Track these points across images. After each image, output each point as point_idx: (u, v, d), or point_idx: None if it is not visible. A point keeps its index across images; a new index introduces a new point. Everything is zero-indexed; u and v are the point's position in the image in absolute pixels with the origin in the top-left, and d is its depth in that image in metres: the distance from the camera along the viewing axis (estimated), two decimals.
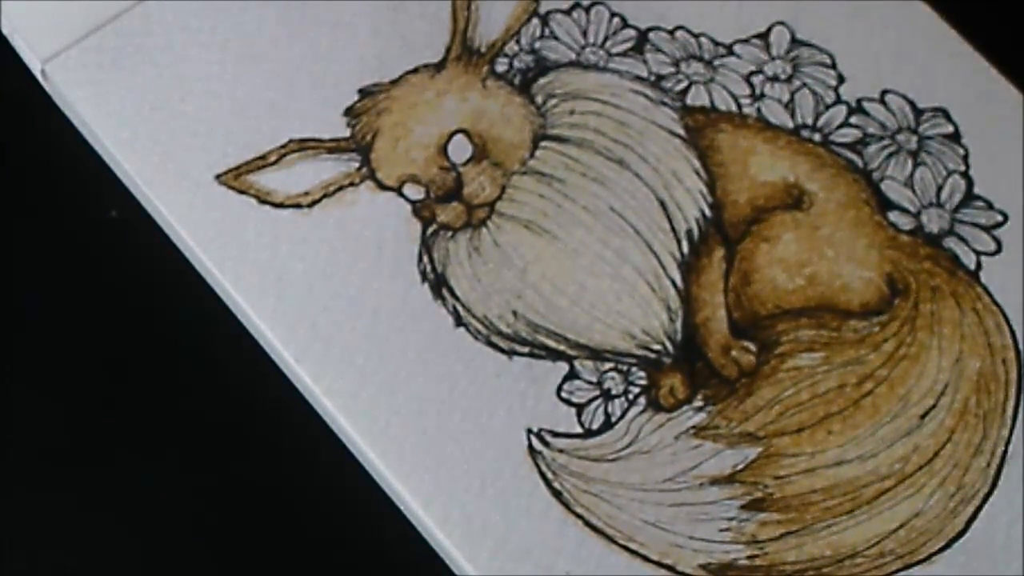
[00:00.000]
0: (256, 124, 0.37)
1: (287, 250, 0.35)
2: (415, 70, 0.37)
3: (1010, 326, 0.35)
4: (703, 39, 0.37)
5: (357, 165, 0.36)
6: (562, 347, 0.34)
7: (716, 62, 0.37)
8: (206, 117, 0.36)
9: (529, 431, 0.34)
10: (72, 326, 0.40)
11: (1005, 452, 0.33)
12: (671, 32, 0.37)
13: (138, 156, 0.36)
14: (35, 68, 0.37)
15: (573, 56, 0.37)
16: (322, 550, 0.37)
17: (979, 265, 0.35)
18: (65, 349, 0.40)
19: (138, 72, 0.37)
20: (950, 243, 0.36)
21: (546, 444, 0.33)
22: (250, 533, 0.38)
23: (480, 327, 0.35)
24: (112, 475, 0.38)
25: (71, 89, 0.37)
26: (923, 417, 0.34)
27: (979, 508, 0.32)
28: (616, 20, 0.38)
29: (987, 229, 0.36)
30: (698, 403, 0.34)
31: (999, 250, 0.35)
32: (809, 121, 0.36)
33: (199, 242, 0.35)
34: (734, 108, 0.37)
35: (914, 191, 0.36)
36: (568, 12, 0.38)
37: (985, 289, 0.35)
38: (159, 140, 0.36)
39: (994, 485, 0.33)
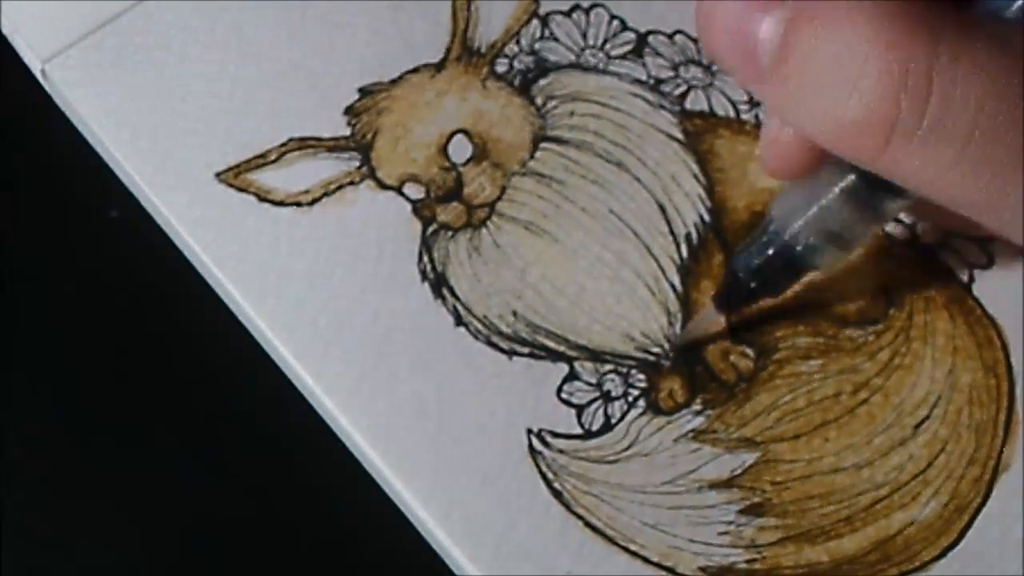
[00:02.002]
0: (256, 123, 0.36)
1: (287, 249, 0.35)
2: (415, 70, 0.37)
3: (1002, 339, 0.35)
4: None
5: (357, 164, 0.36)
6: (562, 348, 0.35)
7: (715, 67, 0.37)
8: (206, 116, 0.36)
9: (529, 431, 0.34)
10: (72, 326, 0.40)
11: (998, 463, 0.33)
12: (670, 36, 0.38)
13: (138, 156, 0.36)
14: (35, 68, 0.37)
15: (573, 58, 0.37)
16: (322, 550, 0.37)
17: (971, 278, 0.35)
18: (65, 349, 0.40)
19: (138, 72, 0.37)
20: (944, 255, 0.36)
21: (546, 444, 0.34)
22: (250, 533, 0.38)
23: (480, 327, 0.35)
24: (111, 475, 0.38)
25: (71, 89, 0.37)
26: (917, 427, 0.34)
27: (973, 518, 0.33)
28: (616, 23, 0.38)
29: (979, 242, 0.36)
30: (697, 407, 0.34)
31: (991, 263, 0.35)
32: None
33: (199, 241, 0.35)
34: (732, 114, 0.37)
35: None
36: (568, 14, 0.38)
37: (977, 302, 0.35)
38: (159, 140, 0.36)
39: (987, 495, 0.33)
